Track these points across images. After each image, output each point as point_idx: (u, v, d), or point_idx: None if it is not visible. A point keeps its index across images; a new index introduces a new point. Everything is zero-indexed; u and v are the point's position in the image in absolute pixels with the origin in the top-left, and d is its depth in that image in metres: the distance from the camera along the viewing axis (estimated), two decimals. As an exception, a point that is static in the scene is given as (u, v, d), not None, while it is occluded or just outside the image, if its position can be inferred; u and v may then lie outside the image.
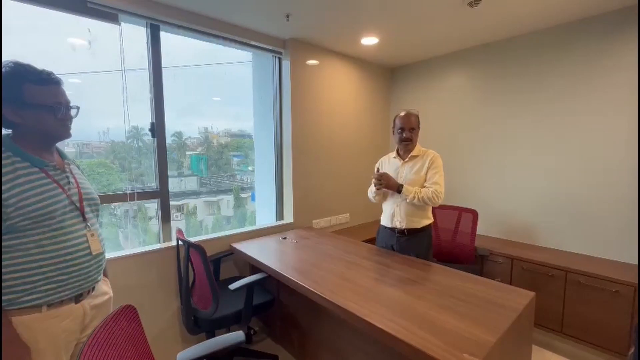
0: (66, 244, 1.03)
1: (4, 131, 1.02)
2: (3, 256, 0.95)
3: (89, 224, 1.11)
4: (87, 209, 1.12)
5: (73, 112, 1.10)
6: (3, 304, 0.96)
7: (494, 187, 2.70)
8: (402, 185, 1.83)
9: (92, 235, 1.11)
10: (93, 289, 1.13)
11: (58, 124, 1.05)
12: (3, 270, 0.95)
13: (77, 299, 1.07)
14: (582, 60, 2.20)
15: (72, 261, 1.04)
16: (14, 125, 1.01)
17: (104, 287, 1.21)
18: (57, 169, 1.07)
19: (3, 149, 0.98)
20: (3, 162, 0.96)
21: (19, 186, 0.96)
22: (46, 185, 1.01)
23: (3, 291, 0.95)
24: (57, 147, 1.15)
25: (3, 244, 0.95)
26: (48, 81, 1.03)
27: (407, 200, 1.84)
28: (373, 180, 1.93)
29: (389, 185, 1.86)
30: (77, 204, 1.09)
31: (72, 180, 1.11)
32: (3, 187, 0.93)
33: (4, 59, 1.01)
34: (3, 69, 0.97)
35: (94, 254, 1.10)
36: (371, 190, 2.03)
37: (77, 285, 1.06)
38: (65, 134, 1.09)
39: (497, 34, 2.46)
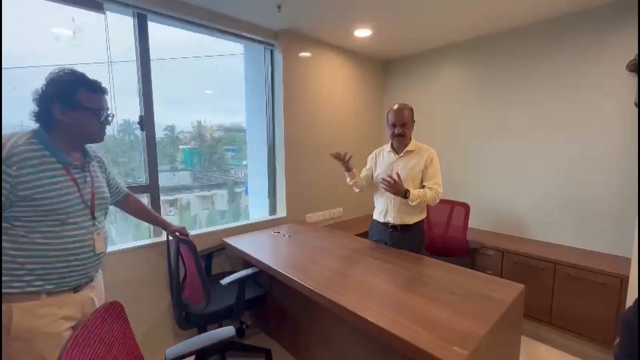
0: (71, 239, 1.08)
1: (33, 124, 1.09)
2: (8, 243, 0.99)
3: (97, 223, 1.18)
4: (97, 208, 1.19)
5: (110, 119, 1.19)
6: (3, 289, 0.99)
7: (486, 181, 2.71)
8: (408, 191, 1.76)
9: (99, 234, 1.18)
10: (92, 279, 1.20)
11: (99, 127, 1.16)
12: (7, 254, 0.99)
13: (76, 289, 1.13)
14: (578, 55, 2.20)
15: (75, 256, 1.09)
16: (57, 123, 1.08)
17: (101, 279, 1.29)
18: (78, 167, 1.15)
19: (36, 140, 1.04)
20: (35, 152, 1.02)
21: (40, 179, 1.01)
22: (63, 183, 1.07)
23: (4, 275, 0.99)
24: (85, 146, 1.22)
25: (10, 231, 0.99)
26: (98, 90, 1.14)
27: (413, 204, 1.78)
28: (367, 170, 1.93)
29: (397, 192, 1.76)
30: (89, 203, 1.15)
31: (88, 179, 1.18)
32: (22, 172, 0.98)
33: None
34: (59, 75, 1.07)
35: (97, 252, 1.17)
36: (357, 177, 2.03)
37: (75, 278, 1.11)
38: (101, 137, 1.20)
39: (491, 26, 2.44)
